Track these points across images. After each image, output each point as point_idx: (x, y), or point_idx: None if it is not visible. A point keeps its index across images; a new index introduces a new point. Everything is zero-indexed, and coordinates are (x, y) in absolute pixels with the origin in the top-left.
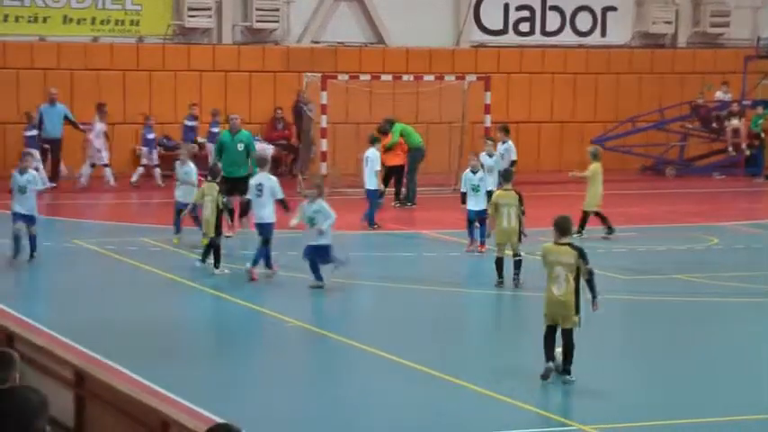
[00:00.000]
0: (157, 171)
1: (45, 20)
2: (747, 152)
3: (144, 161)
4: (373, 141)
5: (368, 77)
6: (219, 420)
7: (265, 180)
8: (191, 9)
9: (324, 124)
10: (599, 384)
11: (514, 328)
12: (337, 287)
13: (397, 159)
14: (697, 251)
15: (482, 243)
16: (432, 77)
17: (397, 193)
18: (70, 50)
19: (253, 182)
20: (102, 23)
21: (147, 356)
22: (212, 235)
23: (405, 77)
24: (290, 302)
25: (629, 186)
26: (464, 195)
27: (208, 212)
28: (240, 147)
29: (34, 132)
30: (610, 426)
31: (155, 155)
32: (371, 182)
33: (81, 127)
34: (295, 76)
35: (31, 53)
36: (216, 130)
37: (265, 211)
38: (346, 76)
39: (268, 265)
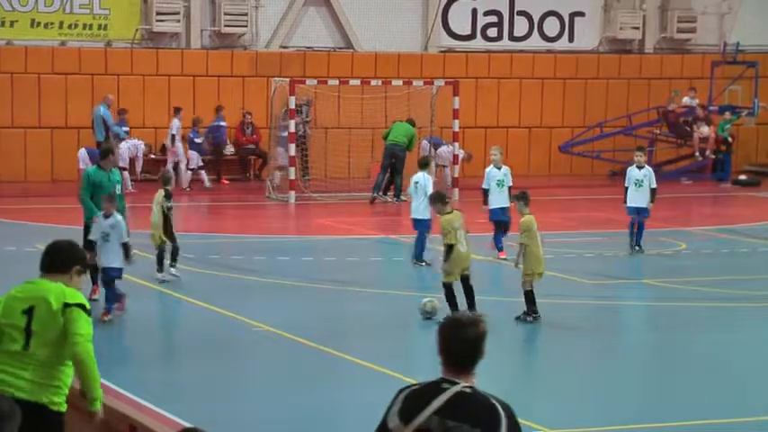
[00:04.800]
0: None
1: (12, 24)
2: (713, 157)
3: (192, 165)
4: (424, 165)
5: (336, 82)
6: (187, 425)
7: (422, 179)
8: (159, 14)
9: (292, 129)
10: (566, 388)
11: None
12: (307, 292)
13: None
14: (665, 256)
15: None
16: (400, 82)
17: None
18: (38, 54)
19: (413, 179)
20: (70, 27)
21: (115, 360)
22: (159, 242)
23: (373, 82)
24: (258, 306)
25: (598, 192)
26: (627, 190)
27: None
28: (118, 189)
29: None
30: (575, 429)
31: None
32: (420, 210)
33: (118, 132)
34: (263, 81)
35: None
36: (198, 141)
37: (421, 207)
38: (315, 81)
39: (418, 257)
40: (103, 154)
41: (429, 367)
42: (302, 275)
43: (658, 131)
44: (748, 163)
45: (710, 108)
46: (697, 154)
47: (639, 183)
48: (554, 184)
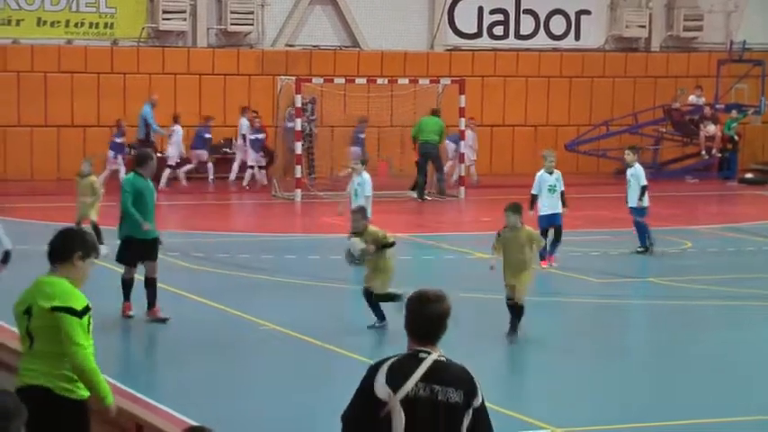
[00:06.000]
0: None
1: (18, 22)
2: (720, 155)
3: (252, 163)
4: (365, 163)
5: (342, 80)
6: (193, 423)
7: (367, 177)
8: (165, 12)
9: (298, 127)
10: (571, 385)
11: (484, 333)
12: (313, 291)
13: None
14: (671, 254)
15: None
16: (406, 81)
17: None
18: (44, 53)
19: (357, 179)
20: (77, 26)
21: (122, 358)
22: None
23: (379, 81)
24: (265, 305)
25: (603, 190)
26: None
27: None
28: (155, 197)
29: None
30: (581, 428)
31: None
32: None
33: (159, 131)
34: (269, 80)
35: (4, 56)
36: (208, 136)
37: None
38: (321, 80)
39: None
40: (141, 160)
41: None
42: (309, 274)
43: (664, 130)
44: (755, 161)
45: (717, 106)
46: (703, 152)
47: (629, 182)
48: None
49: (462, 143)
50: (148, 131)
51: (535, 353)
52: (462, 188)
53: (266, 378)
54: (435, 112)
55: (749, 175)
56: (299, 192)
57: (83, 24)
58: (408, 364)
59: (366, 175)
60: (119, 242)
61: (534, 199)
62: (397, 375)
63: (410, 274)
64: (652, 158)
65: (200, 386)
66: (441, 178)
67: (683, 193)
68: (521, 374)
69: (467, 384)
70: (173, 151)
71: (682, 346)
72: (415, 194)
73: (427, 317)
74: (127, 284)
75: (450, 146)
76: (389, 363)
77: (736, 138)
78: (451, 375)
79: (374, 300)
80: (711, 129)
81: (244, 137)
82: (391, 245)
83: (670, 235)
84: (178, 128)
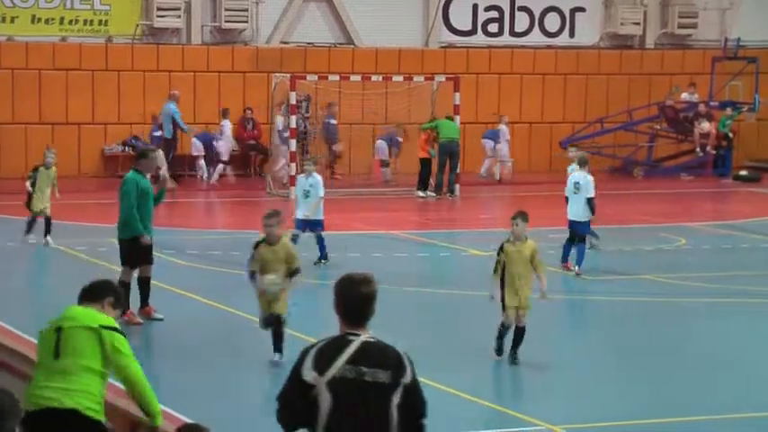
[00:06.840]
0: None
1: (13, 20)
2: (714, 152)
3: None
4: (316, 163)
5: (337, 78)
6: (188, 421)
7: (318, 178)
8: (159, 9)
9: (293, 125)
10: (569, 384)
11: (479, 332)
12: (310, 289)
13: (421, 153)
14: (665, 252)
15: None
16: (401, 78)
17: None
18: (38, 50)
19: (309, 180)
20: (71, 23)
21: None
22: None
23: (374, 78)
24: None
25: (598, 187)
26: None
27: None
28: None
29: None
30: (578, 425)
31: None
32: (319, 210)
33: (184, 128)
34: (264, 77)
35: None
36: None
37: (318, 207)
38: (315, 77)
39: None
40: (142, 155)
41: (436, 367)
42: (303, 272)
43: (659, 127)
44: (749, 159)
45: (711, 104)
46: (698, 149)
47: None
48: (555, 180)
49: (500, 139)
50: (175, 130)
51: (532, 351)
52: (457, 185)
53: (263, 377)
54: (450, 117)
55: (743, 173)
56: (293, 189)
57: (77, 21)
58: (336, 346)
59: (318, 176)
60: (119, 242)
61: (591, 202)
62: (324, 358)
63: (405, 272)
64: (647, 156)
65: (195, 384)
66: (453, 178)
67: (678, 191)
68: (518, 372)
69: (394, 362)
70: (223, 146)
71: (677, 343)
72: (435, 194)
73: (355, 299)
74: (125, 290)
75: (488, 143)
76: (319, 346)
77: (730, 135)
78: (379, 356)
79: (281, 329)
80: (706, 126)
81: (279, 134)
82: (298, 271)
83: (664, 232)
84: (227, 123)
